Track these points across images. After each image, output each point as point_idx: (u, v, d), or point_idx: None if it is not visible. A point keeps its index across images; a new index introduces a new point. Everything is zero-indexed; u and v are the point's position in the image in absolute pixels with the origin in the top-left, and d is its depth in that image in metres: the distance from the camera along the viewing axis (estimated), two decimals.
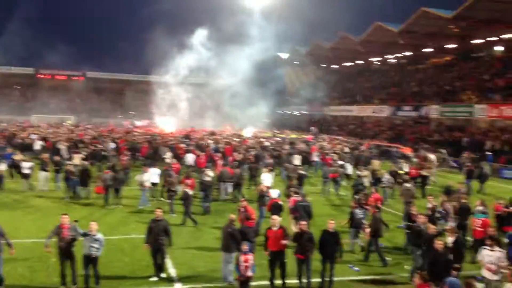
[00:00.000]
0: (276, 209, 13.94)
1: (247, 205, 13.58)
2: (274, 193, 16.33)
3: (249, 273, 9.81)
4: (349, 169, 25.32)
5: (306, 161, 28.27)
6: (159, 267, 11.24)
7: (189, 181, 17.42)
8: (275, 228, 10.93)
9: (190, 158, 25.56)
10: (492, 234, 11.00)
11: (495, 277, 9.59)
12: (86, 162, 22.23)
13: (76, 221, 10.81)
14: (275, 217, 11.35)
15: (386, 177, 21.00)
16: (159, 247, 11.14)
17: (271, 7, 49.88)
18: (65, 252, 10.15)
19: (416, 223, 12.20)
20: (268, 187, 17.06)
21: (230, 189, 20.22)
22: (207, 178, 18.24)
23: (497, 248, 9.88)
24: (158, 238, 11.10)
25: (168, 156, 25.94)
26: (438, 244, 9.77)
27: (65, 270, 10.21)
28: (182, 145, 30.27)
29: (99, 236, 10.32)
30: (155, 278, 11.09)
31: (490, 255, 9.79)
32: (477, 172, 24.85)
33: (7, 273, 10.42)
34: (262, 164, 24.45)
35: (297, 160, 27.32)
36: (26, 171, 20.42)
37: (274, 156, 27.97)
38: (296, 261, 10.83)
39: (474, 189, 23.63)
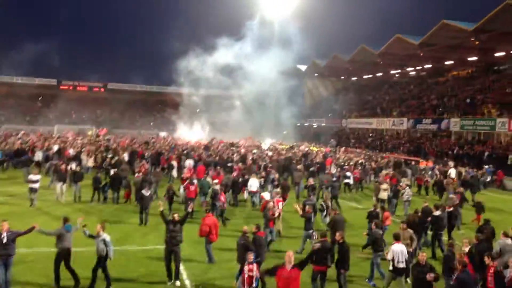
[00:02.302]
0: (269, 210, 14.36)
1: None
2: (266, 196, 17.63)
3: (253, 285, 9.18)
4: (351, 179, 26.44)
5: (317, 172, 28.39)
6: (175, 273, 11.39)
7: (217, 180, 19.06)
8: (288, 267, 8.67)
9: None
10: None
11: None
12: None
13: (84, 225, 11.12)
14: (290, 253, 8.91)
15: (407, 190, 20.80)
16: (174, 249, 11.37)
17: (290, 19, 50.10)
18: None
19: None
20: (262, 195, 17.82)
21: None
22: (216, 187, 18.54)
23: None
24: (173, 240, 11.36)
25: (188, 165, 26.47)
26: None
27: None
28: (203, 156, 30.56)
29: (105, 236, 10.78)
30: (170, 283, 11.26)
31: None
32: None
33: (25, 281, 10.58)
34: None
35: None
36: (34, 185, 19.05)
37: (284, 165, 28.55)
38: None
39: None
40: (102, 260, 10.69)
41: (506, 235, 12.03)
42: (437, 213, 14.95)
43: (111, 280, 10.89)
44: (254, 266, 9.33)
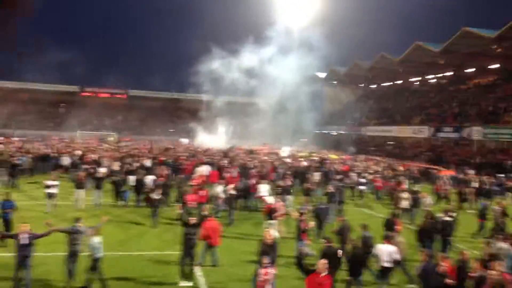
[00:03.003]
0: (272, 213, 14.83)
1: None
2: (270, 199, 18.19)
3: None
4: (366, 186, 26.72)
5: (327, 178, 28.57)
6: (189, 274, 11.72)
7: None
8: (322, 274, 8.55)
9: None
10: None
11: None
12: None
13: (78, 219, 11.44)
14: (323, 261, 8.67)
15: (428, 200, 20.69)
16: (189, 250, 11.77)
17: (310, 26, 50.24)
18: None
19: None
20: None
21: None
22: (232, 192, 19.20)
23: None
24: (189, 242, 11.75)
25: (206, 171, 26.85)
26: None
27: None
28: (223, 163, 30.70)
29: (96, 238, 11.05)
30: (182, 283, 11.49)
31: None
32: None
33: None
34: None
35: (316, 177, 27.73)
36: (51, 190, 18.98)
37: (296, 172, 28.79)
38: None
39: None
40: (96, 262, 10.96)
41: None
42: (446, 218, 15.04)
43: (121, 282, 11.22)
44: (270, 270, 9.28)
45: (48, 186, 18.95)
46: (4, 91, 75.59)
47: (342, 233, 13.35)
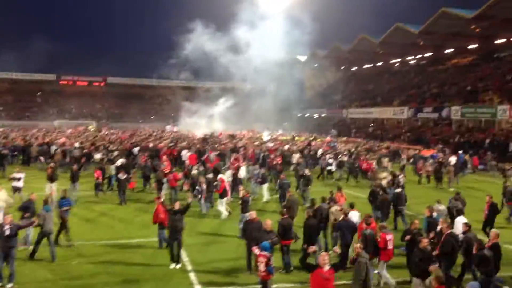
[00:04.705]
0: (245, 203, 14.65)
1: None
2: (224, 177, 18.28)
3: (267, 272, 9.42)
4: (333, 166, 27.27)
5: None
6: (176, 257, 11.88)
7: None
8: (326, 268, 8.28)
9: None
10: None
11: None
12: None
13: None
14: (325, 254, 8.50)
15: (400, 178, 20.75)
16: (176, 235, 11.88)
17: (289, 10, 49.82)
18: None
19: None
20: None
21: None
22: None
23: None
24: (175, 227, 11.90)
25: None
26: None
27: None
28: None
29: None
30: (172, 266, 11.73)
31: None
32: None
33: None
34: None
35: (294, 159, 28.23)
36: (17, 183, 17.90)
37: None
38: None
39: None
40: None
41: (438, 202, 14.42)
42: (398, 190, 16.57)
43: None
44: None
45: (14, 179, 17.94)
46: None
47: (290, 205, 14.35)
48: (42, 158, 27.94)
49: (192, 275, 11.28)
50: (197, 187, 17.93)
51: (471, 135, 41.01)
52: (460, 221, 12.09)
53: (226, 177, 19.15)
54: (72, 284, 10.66)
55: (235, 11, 46.22)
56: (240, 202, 15.09)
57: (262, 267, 9.41)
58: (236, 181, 19.78)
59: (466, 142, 39.05)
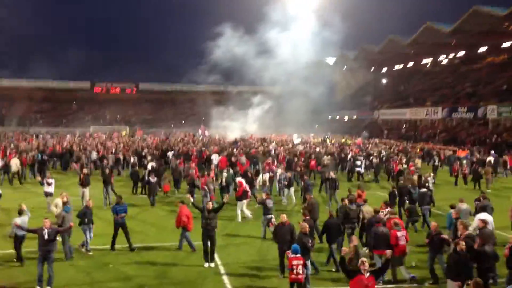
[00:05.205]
0: (266, 206, 14.94)
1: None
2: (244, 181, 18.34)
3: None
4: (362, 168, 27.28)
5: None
6: (210, 256, 12.13)
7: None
8: (366, 274, 8.04)
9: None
10: None
11: None
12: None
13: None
14: (365, 260, 8.26)
15: (429, 179, 20.49)
16: (209, 234, 12.16)
17: (317, 12, 49.59)
18: None
19: None
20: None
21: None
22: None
23: None
24: (208, 226, 12.18)
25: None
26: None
27: None
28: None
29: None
30: (206, 265, 11.97)
31: None
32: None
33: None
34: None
35: (325, 161, 27.74)
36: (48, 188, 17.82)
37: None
38: None
39: None
40: None
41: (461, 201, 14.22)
42: (423, 190, 16.68)
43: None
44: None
45: (46, 185, 17.92)
46: (19, 90, 76.50)
47: (311, 208, 14.27)
48: (75, 164, 27.75)
49: (226, 278, 11.31)
50: (205, 187, 18.35)
51: (509, 134, 39.95)
52: (479, 217, 12.13)
53: (261, 179, 19.46)
54: (109, 287, 10.83)
55: (263, 14, 46.39)
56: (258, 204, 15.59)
57: (299, 269, 9.47)
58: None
59: (503, 142, 38.09)
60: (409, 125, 58.23)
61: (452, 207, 13.35)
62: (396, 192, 17.40)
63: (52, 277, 10.46)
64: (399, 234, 11.10)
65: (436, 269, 10.95)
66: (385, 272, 9.12)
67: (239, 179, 18.88)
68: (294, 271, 9.47)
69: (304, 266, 9.77)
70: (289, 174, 21.04)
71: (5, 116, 72.03)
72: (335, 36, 46.76)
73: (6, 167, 24.42)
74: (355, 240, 11.09)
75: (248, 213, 17.17)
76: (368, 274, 7.98)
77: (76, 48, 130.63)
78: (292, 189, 20.46)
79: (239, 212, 17.11)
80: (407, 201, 16.63)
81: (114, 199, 18.69)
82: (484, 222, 11.46)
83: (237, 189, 17.88)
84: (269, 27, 46.59)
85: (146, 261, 12.40)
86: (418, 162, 29.05)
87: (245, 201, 17.35)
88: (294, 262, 9.53)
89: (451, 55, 62.52)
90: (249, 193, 18.19)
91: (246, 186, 17.97)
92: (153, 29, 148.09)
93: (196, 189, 19.09)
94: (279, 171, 22.06)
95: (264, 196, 15.79)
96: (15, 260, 11.89)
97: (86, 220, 12.90)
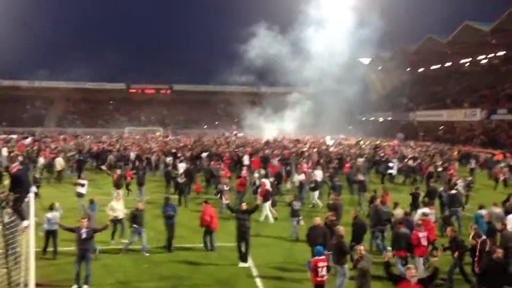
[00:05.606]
0: (293, 208, 15.08)
1: None
2: (267, 183, 18.59)
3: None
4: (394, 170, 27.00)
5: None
6: (245, 255, 12.32)
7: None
8: (412, 281, 7.76)
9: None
10: None
11: None
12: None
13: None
14: (412, 268, 8.01)
15: (459, 182, 19.89)
16: (243, 235, 12.38)
17: (352, 11, 48.91)
18: None
19: None
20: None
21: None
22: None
23: None
24: (242, 227, 12.40)
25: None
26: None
27: None
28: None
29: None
30: (241, 264, 12.21)
31: None
32: None
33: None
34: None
35: (359, 163, 27.67)
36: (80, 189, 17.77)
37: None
38: None
39: None
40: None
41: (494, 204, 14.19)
42: (453, 192, 16.84)
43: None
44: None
45: (78, 185, 17.85)
46: (58, 91, 78.68)
47: (336, 209, 14.51)
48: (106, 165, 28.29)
49: (258, 281, 11.32)
50: (219, 186, 18.91)
51: None
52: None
53: (297, 179, 20.07)
54: (143, 286, 11.02)
55: (297, 13, 46.15)
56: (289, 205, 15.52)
57: (324, 272, 9.34)
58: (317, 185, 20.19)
59: None
60: (446, 127, 56.74)
61: (481, 207, 13.48)
62: (416, 195, 17.30)
63: (89, 276, 10.71)
64: (420, 235, 11.19)
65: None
66: (434, 281, 8.68)
67: (263, 179, 19.02)
68: (319, 274, 9.30)
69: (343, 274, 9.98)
70: (316, 178, 20.83)
71: (45, 117, 74.23)
72: (372, 34, 46.04)
73: (50, 166, 25.45)
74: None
75: (270, 215, 17.32)
76: (414, 280, 7.69)
77: (112, 50, 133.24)
78: (316, 193, 20.20)
79: (269, 213, 17.19)
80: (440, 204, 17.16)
81: (145, 200, 19.10)
82: (504, 224, 11.78)
83: (260, 189, 18.03)
84: (303, 26, 46.32)
85: (178, 262, 12.54)
86: (455, 165, 28.23)
87: (268, 203, 17.43)
88: (320, 264, 9.35)
89: (491, 55, 60.55)
90: (271, 195, 18.20)
91: (269, 187, 18.12)
92: (188, 30, 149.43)
93: (230, 190, 19.28)
94: (316, 172, 21.82)
95: (292, 198, 15.82)
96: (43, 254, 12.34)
97: (135, 222, 13.08)
